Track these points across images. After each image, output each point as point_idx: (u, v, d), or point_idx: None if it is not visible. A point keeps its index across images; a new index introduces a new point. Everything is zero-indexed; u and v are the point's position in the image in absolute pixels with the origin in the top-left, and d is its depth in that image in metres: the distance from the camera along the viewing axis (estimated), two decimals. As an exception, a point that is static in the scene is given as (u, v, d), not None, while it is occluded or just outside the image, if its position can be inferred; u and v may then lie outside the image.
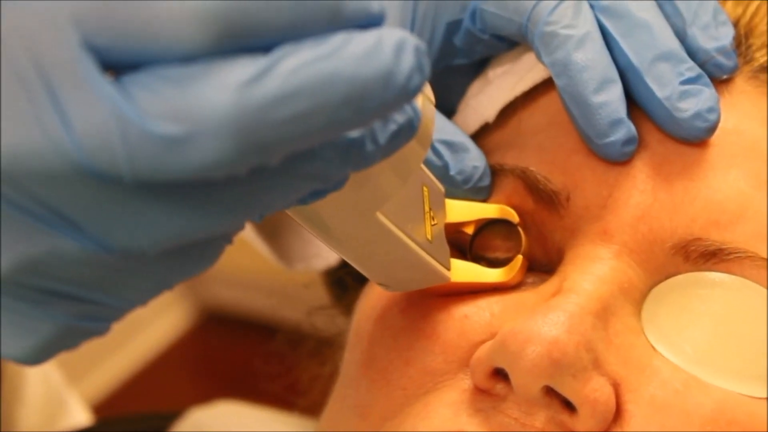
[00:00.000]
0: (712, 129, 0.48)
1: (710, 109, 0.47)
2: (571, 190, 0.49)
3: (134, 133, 0.31)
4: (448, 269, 0.48)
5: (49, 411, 0.79)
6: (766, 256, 0.47)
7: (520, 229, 0.50)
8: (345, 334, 0.55)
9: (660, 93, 0.47)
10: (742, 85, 0.51)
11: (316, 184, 0.35)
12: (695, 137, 0.48)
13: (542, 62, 0.49)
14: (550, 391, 0.44)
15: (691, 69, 0.48)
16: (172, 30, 0.31)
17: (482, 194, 0.50)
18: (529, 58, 0.53)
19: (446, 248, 0.48)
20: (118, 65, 0.32)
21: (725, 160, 0.48)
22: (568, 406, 0.45)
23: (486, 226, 0.51)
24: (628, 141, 0.47)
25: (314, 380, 0.63)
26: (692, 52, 0.49)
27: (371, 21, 0.34)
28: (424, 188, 0.47)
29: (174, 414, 0.73)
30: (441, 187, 0.49)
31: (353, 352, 0.50)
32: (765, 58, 0.51)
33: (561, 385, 0.44)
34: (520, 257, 0.49)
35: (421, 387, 0.47)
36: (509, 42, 0.52)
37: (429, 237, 0.46)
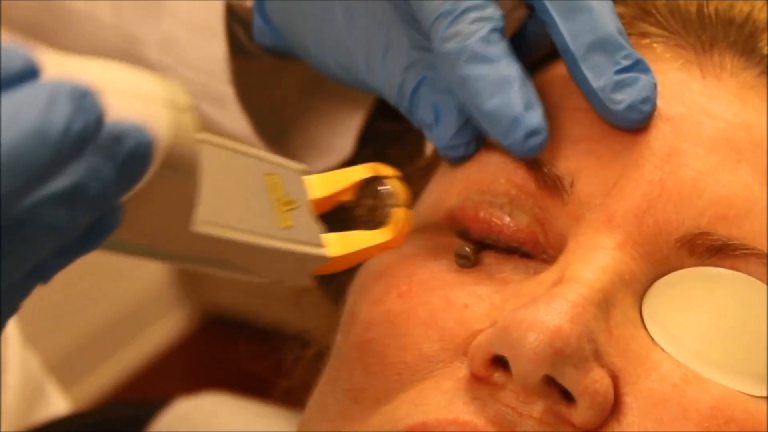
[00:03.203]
0: (646, 118, 0.48)
1: (644, 100, 0.47)
2: (575, 177, 0.48)
3: None
4: (321, 246, 0.46)
5: (28, 398, 0.78)
6: None
7: (390, 182, 0.48)
8: (331, 318, 0.54)
9: (595, 83, 0.48)
10: (751, 80, 0.50)
11: (65, 234, 0.36)
12: (630, 127, 0.48)
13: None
14: (549, 381, 0.44)
15: (627, 57, 0.48)
16: None
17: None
18: None
19: (315, 227, 0.46)
20: None
21: (734, 155, 0.48)
22: (566, 397, 0.44)
23: (370, 188, 0.49)
24: (529, 134, 0.47)
25: (296, 362, 0.63)
26: None
27: (21, 78, 0.34)
28: (268, 178, 0.45)
29: (160, 402, 0.72)
30: (298, 166, 0.47)
31: (347, 334, 0.49)
32: (775, 55, 0.51)
33: (561, 375, 0.43)
34: (399, 210, 0.47)
35: (417, 373, 0.47)
36: None
37: (285, 224, 0.44)
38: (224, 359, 2.18)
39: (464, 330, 0.47)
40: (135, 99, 0.37)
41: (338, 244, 0.46)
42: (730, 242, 0.47)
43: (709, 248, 0.47)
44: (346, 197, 0.48)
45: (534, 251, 0.49)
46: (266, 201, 0.44)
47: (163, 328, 2.30)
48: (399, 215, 0.47)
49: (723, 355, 0.46)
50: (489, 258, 0.49)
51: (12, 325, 0.74)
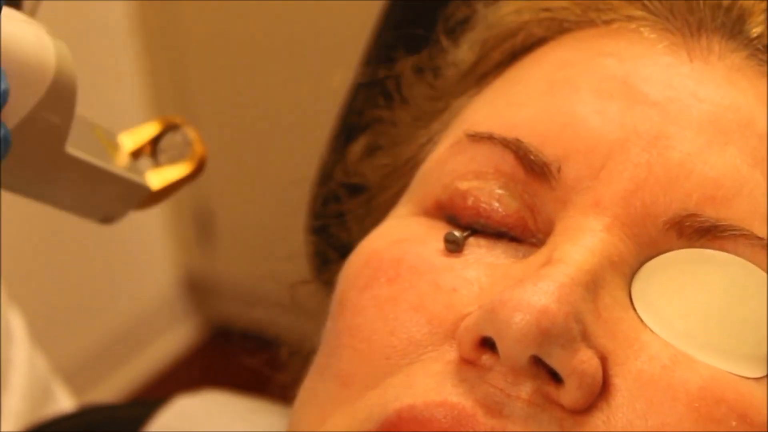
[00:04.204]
0: None
1: None
2: (562, 162, 0.48)
3: None
4: (147, 180, 0.55)
5: (35, 398, 0.78)
6: (760, 235, 0.46)
7: (188, 126, 0.55)
8: (325, 311, 0.54)
9: None
10: (739, 63, 0.50)
11: None
12: None
13: None
14: (537, 362, 0.44)
15: None
16: None
17: None
18: None
19: (139, 169, 0.55)
20: None
21: (721, 136, 0.48)
22: (555, 378, 0.44)
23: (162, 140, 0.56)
24: None
25: (293, 356, 0.63)
26: None
27: None
28: (95, 131, 0.53)
29: (160, 401, 0.72)
30: (110, 130, 0.55)
31: (336, 320, 0.50)
32: (763, 38, 0.51)
33: (548, 356, 0.43)
34: (195, 144, 0.56)
35: (405, 357, 0.47)
36: None
37: (119, 163, 0.53)
38: (231, 371, 2.19)
39: (453, 314, 0.47)
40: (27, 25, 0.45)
41: (155, 178, 0.55)
42: (719, 223, 0.47)
43: (697, 230, 0.47)
44: (147, 150, 0.56)
45: (523, 235, 0.49)
46: (101, 146, 0.53)
47: (171, 340, 2.30)
48: (196, 148, 0.56)
49: (712, 336, 0.46)
50: (478, 243, 0.49)
51: (19, 326, 0.75)
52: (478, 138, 0.50)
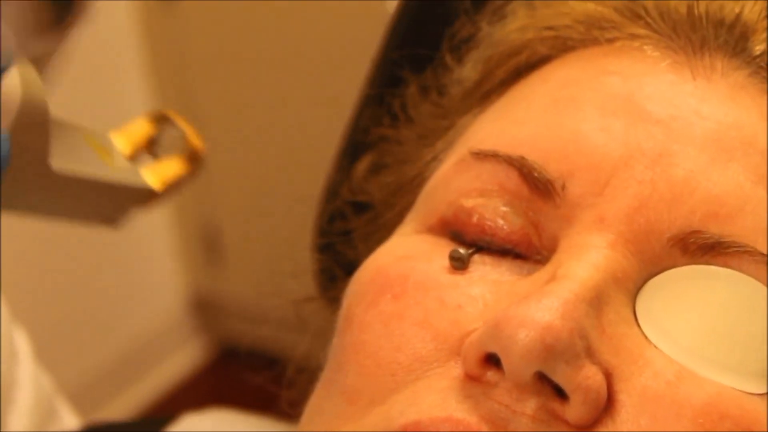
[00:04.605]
0: None
1: None
2: (566, 179, 0.48)
3: None
4: (145, 180, 0.54)
5: (40, 417, 0.78)
6: (764, 252, 0.47)
7: (179, 119, 0.55)
8: (331, 328, 0.55)
9: None
10: (742, 80, 0.50)
11: None
12: None
13: None
14: (542, 378, 0.44)
15: None
16: None
17: None
18: None
19: (136, 170, 0.54)
20: None
21: (725, 154, 0.48)
22: (560, 394, 0.44)
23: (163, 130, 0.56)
24: None
25: (299, 373, 0.63)
26: None
27: None
28: (85, 139, 0.53)
29: (167, 418, 0.72)
30: (103, 132, 0.55)
31: (342, 336, 0.50)
32: (765, 56, 0.51)
33: (553, 372, 0.43)
34: (190, 137, 0.55)
35: (411, 374, 0.47)
36: None
37: (112, 166, 0.53)
38: (239, 390, 2.19)
39: (458, 330, 0.47)
40: None
41: (153, 177, 0.55)
42: (723, 240, 0.47)
43: (701, 246, 0.47)
44: (145, 143, 0.56)
45: (528, 252, 0.49)
46: (93, 153, 0.53)
47: (179, 359, 2.31)
48: (192, 141, 0.55)
49: (717, 352, 0.46)
50: (483, 260, 0.49)
51: (24, 344, 0.75)
52: (482, 156, 0.50)
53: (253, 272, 2.23)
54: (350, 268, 0.55)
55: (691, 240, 0.47)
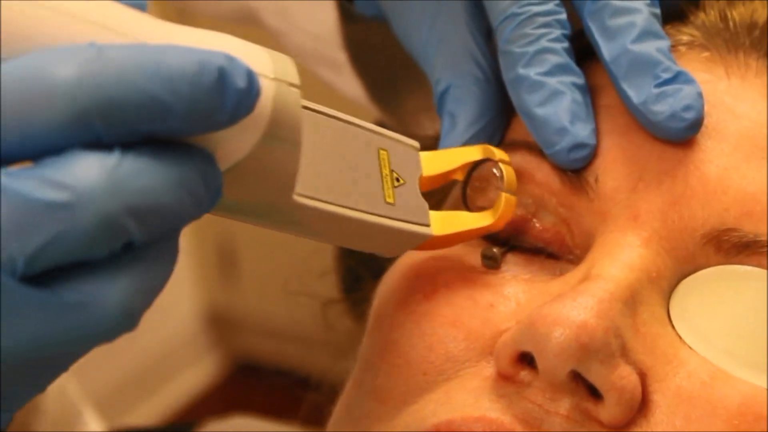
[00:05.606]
0: (692, 126, 0.47)
1: (687, 107, 0.47)
2: (599, 172, 0.48)
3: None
4: (427, 225, 0.46)
5: (65, 423, 0.78)
6: None
7: (501, 166, 0.49)
8: (356, 330, 0.54)
9: (636, 98, 0.48)
10: None
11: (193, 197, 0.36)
12: (676, 137, 0.47)
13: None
14: (576, 377, 0.43)
15: (667, 70, 0.48)
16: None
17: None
18: None
19: (421, 204, 0.47)
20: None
21: (759, 152, 0.48)
22: (594, 394, 0.44)
23: (476, 169, 0.50)
24: (573, 148, 0.48)
25: (325, 375, 0.63)
26: None
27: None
28: (381, 151, 0.46)
29: (190, 425, 0.72)
30: (413, 143, 0.48)
31: (373, 336, 0.49)
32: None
33: (588, 371, 0.43)
34: (502, 194, 0.48)
35: (443, 373, 0.46)
36: None
37: (390, 200, 0.45)
38: (254, 404, 2.19)
39: (490, 329, 0.47)
40: None
41: (441, 223, 0.47)
42: (758, 239, 0.46)
43: (735, 245, 0.46)
44: (455, 176, 0.50)
45: (560, 252, 0.49)
46: (376, 175, 0.45)
47: (194, 375, 2.30)
48: (505, 199, 0.48)
49: (751, 352, 0.45)
50: (515, 259, 0.49)
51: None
52: (514, 146, 0.50)
53: (268, 287, 2.23)
54: (377, 269, 0.54)
55: (725, 238, 0.47)
